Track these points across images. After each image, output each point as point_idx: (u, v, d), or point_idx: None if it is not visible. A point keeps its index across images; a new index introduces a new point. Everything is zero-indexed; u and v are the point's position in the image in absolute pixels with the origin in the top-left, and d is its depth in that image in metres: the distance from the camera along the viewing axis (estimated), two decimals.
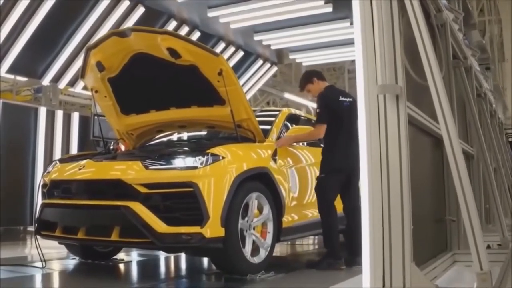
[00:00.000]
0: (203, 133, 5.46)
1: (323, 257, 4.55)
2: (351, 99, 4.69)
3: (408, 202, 1.78)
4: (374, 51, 1.83)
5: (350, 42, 9.89)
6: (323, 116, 4.56)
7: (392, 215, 1.77)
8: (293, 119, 5.30)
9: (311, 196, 4.86)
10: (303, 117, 5.63)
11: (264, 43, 10.10)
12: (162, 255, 5.27)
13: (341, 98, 4.67)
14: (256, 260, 4.00)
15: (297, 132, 4.74)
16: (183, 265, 5.04)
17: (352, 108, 4.55)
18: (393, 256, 1.76)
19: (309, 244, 6.76)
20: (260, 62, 11.22)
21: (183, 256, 5.24)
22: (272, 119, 4.99)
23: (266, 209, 4.17)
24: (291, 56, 10.99)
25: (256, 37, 9.79)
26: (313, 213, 4.82)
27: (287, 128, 4.97)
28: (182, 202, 3.63)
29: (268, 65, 11.49)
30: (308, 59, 11.37)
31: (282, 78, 16.72)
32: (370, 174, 1.82)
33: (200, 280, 4.26)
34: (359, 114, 1.88)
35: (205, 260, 4.98)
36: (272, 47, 10.42)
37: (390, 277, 1.77)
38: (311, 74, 4.91)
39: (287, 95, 15.27)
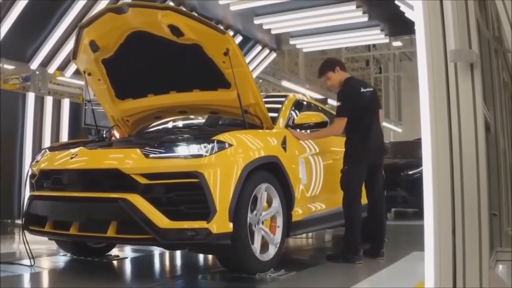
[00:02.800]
0: (200, 120, 5.12)
1: (340, 250, 4.39)
2: (371, 89, 4.58)
3: (486, 196, 1.44)
4: (441, 8, 1.47)
5: (355, 27, 9.63)
6: (344, 109, 4.37)
7: (466, 209, 1.44)
8: (299, 105, 4.97)
9: (320, 187, 4.61)
10: (306, 103, 5.27)
11: (265, 27, 9.72)
12: (157, 250, 4.93)
13: (362, 90, 4.50)
14: (265, 257, 3.71)
15: (305, 120, 4.47)
16: (180, 262, 4.70)
17: (372, 98, 4.57)
18: (468, 257, 1.45)
19: (302, 238, 6.40)
20: (259, 47, 10.84)
21: (179, 251, 4.86)
22: (278, 105, 4.67)
23: (276, 202, 3.87)
24: (292, 42, 10.61)
25: (257, 21, 9.41)
26: (323, 206, 4.58)
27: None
28: (186, 194, 3.31)
29: (267, 51, 11.10)
30: (309, 45, 11.01)
31: (276, 67, 16.31)
32: (436, 161, 1.48)
33: (204, 280, 3.92)
34: (420, 87, 1.52)
35: (201, 256, 4.64)
36: (273, 32, 10.04)
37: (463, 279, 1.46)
38: (335, 62, 4.72)
39: (285, 83, 14.85)
